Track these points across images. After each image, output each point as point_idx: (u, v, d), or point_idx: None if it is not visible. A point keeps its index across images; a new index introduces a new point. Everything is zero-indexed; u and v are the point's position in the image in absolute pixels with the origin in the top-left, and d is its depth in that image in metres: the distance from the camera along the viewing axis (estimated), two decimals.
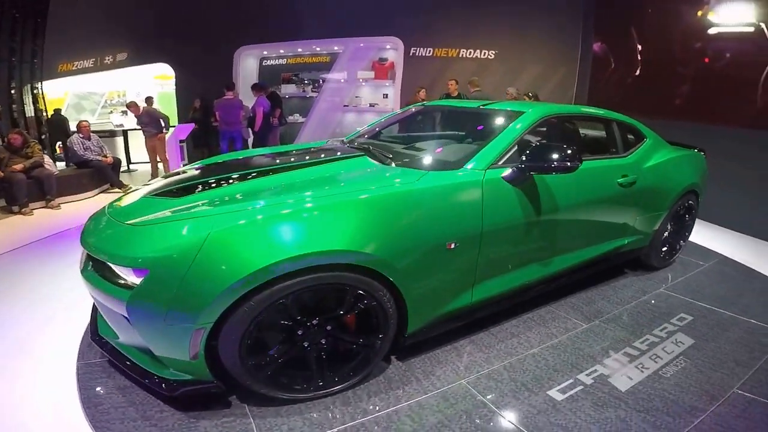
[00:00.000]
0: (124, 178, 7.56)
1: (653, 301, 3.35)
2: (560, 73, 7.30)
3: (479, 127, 3.27)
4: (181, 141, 7.69)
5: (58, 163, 7.29)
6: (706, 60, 5.47)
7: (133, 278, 1.77)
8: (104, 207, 2.38)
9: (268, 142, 7.96)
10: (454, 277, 2.33)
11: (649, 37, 6.33)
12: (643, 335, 2.86)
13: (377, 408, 2.06)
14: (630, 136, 3.56)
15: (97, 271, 1.95)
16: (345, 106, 8.63)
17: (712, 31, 5.35)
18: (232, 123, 7.62)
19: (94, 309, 2.43)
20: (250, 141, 8.49)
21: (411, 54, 7.62)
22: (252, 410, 2.00)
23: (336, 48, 8.50)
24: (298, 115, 9.27)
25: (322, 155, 2.83)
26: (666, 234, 3.81)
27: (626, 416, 2.10)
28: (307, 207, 1.90)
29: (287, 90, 9.20)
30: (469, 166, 2.40)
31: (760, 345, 2.80)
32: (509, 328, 2.85)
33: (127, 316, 1.76)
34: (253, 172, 2.45)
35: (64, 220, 5.38)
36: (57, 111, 9.23)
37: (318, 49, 8.73)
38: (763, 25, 4.85)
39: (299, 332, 1.93)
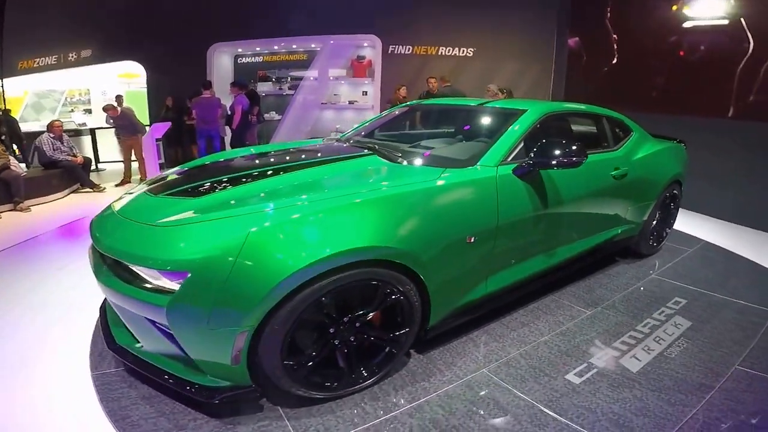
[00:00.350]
0: (93, 177, 7.31)
1: (647, 287, 3.51)
2: (537, 69, 7.49)
3: (466, 127, 3.37)
4: (157, 139, 7.50)
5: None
6: (682, 53, 5.73)
7: (163, 281, 1.72)
8: (108, 207, 2.30)
9: (246, 140, 7.86)
10: (472, 269, 2.39)
11: (624, 32, 6.58)
12: (644, 319, 3.00)
13: (406, 401, 2.09)
14: (618, 131, 3.71)
15: (118, 275, 1.88)
16: (323, 103, 8.57)
17: (686, 24, 5.61)
18: (210, 121, 7.50)
19: (104, 316, 2.33)
20: (227, 140, 8.35)
21: (389, 52, 7.64)
22: (286, 412, 1.97)
23: (314, 45, 8.42)
24: (274, 112, 9.16)
25: (331, 154, 2.82)
26: (654, 222, 3.99)
27: (642, 395, 2.20)
28: (342, 204, 1.92)
29: (263, 88, 9.08)
30: (482, 163, 2.49)
31: (752, 324, 2.97)
32: (519, 317, 2.93)
33: (164, 322, 1.70)
34: (268, 170, 2.41)
35: (37, 224, 5.16)
36: (6, 112, 8.82)
37: (295, 46, 8.63)
38: (734, 18, 5.12)
39: (334, 330, 1.93)
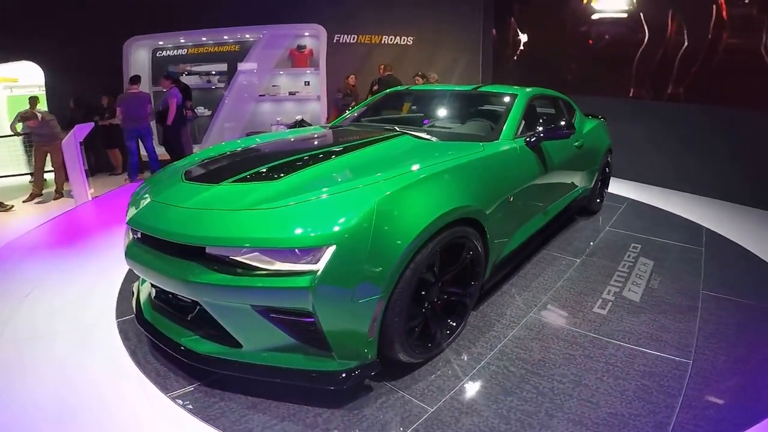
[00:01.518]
0: None
1: (608, 237, 4.08)
2: (467, 56, 7.99)
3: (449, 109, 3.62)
4: (80, 143, 6.66)
5: None
6: (590, 42, 6.54)
7: (291, 265, 1.64)
8: (172, 207, 1.96)
9: (182, 137, 7.33)
10: (509, 225, 2.69)
11: (539, 25, 7.29)
12: (620, 262, 3.51)
13: (487, 348, 2.29)
14: (567, 110, 4.22)
15: (224, 271, 1.69)
16: (261, 95, 8.22)
17: (594, 16, 6.42)
18: (140, 119, 6.85)
19: (158, 333, 2.06)
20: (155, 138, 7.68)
21: (335, 41, 7.57)
22: (394, 384, 1.99)
23: (248, 36, 8.01)
24: (203, 107, 8.58)
25: (362, 137, 2.78)
26: (599, 185, 4.62)
27: (655, 318, 2.64)
28: (432, 173, 2.04)
29: (189, 81, 8.42)
30: (502, 137, 2.81)
31: (692, 258, 3.63)
32: (530, 271, 3.26)
33: (304, 306, 1.62)
34: (320, 154, 2.40)
35: None
36: None
37: (226, 37, 8.13)
38: (633, 12, 5.96)
39: (431, 291, 2.05)
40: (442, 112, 3.59)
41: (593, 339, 2.39)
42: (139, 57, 8.32)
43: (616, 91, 6.36)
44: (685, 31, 5.61)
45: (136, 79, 6.86)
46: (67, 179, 6.54)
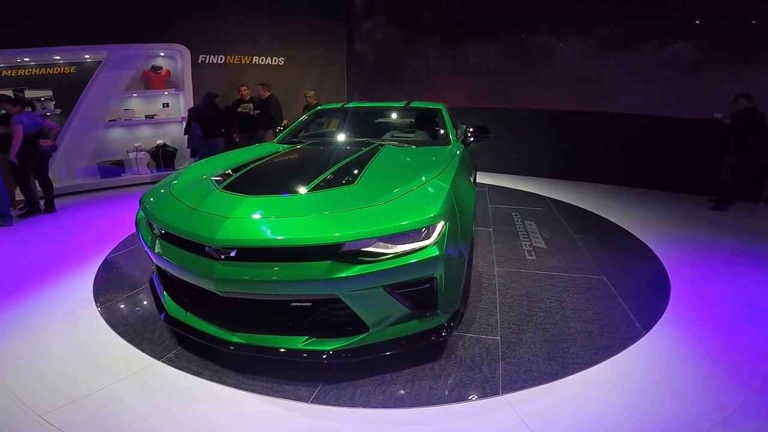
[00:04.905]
0: None
1: (495, 211, 5.24)
2: (335, 74, 8.63)
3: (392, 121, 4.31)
4: None
5: None
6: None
7: (399, 246, 1.95)
8: (273, 219, 2.02)
9: (28, 175, 6.04)
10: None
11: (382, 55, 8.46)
12: (516, 225, 4.65)
13: (491, 293, 2.97)
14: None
15: (359, 262, 1.91)
16: (111, 121, 7.24)
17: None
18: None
19: (270, 351, 2.08)
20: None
21: (200, 61, 7.18)
22: (458, 333, 2.47)
23: (86, 56, 6.95)
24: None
25: (355, 152, 3.06)
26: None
27: (563, 255, 3.74)
28: (455, 166, 2.65)
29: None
30: (452, 141, 3.53)
31: (553, 217, 5.03)
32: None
33: (434, 272, 1.97)
34: (353, 165, 2.68)
35: None
36: None
37: (57, 57, 6.90)
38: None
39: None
40: (389, 125, 4.16)
41: (543, 274, 3.33)
42: None
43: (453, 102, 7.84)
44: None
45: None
46: None
